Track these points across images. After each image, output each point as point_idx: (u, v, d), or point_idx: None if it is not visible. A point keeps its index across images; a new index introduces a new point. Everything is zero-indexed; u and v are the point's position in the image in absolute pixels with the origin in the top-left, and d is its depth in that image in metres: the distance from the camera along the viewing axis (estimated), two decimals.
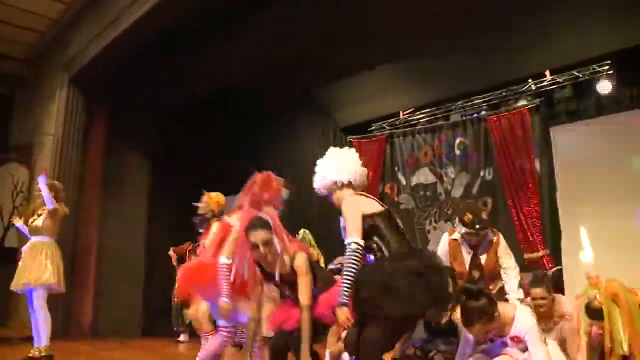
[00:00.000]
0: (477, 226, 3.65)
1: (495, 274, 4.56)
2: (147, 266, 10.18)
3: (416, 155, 9.21)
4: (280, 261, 3.21)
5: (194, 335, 8.80)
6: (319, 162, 3.57)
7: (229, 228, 3.86)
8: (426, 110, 9.31)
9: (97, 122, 9.46)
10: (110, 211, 9.81)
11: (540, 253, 7.49)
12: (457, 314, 3.25)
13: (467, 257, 4.52)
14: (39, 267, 5.61)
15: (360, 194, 3.47)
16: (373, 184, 9.42)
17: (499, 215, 8.18)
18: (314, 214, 10.07)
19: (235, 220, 3.83)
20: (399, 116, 9.62)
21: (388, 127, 9.68)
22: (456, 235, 4.49)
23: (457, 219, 4.04)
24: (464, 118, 8.79)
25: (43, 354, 5.32)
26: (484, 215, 3.89)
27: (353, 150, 3.64)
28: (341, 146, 10.62)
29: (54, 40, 9.28)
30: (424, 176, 9.11)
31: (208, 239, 4.59)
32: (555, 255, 7.44)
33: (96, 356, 5.41)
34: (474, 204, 4.01)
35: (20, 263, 5.71)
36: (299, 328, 3.13)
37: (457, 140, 8.80)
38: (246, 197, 3.65)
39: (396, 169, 9.44)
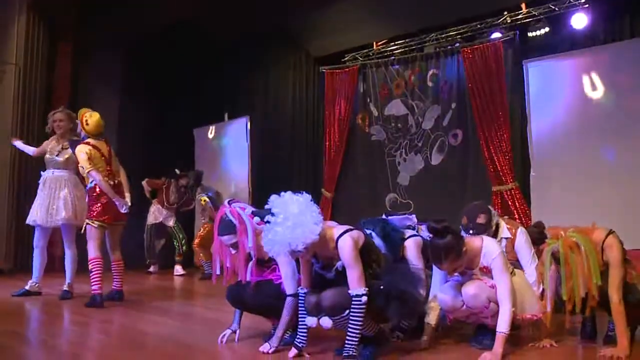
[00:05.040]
0: (471, 231, 3.60)
1: None
2: None
3: (389, 87, 9.15)
4: (259, 248, 3.15)
5: (163, 267, 9.02)
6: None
7: None
8: (400, 42, 9.19)
9: (62, 54, 9.11)
10: None
11: (509, 186, 7.62)
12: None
13: None
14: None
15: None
16: (345, 115, 9.38)
17: (469, 148, 8.26)
18: (286, 146, 10.04)
19: None
20: (373, 47, 9.49)
21: (361, 58, 9.54)
22: None
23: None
24: (437, 50, 8.71)
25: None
26: (481, 220, 3.78)
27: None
28: (314, 77, 10.39)
29: None
30: (395, 108, 9.09)
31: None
32: (524, 189, 7.58)
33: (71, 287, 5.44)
34: (474, 206, 3.87)
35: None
36: None
37: (430, 72, 8.75)
38: None
39: (368, 100, 9.38)
